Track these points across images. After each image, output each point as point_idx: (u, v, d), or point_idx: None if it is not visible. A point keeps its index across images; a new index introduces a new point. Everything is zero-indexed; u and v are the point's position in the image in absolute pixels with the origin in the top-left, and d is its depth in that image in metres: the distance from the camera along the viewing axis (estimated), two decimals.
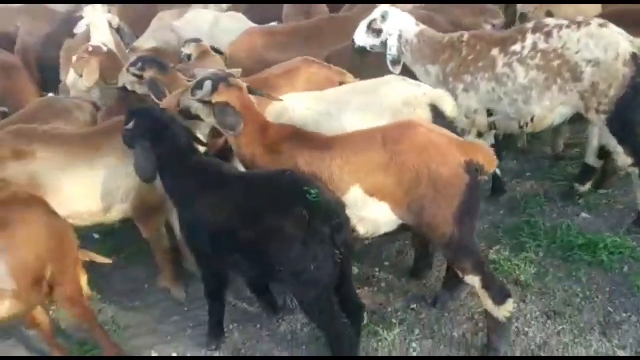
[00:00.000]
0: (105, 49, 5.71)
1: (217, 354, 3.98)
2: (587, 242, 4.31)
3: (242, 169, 3.95)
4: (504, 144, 5.17)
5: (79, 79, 5.77)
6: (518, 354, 3.58)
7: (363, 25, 4.79)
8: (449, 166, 3.25)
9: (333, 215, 3.21)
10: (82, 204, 4.16)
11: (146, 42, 7.66)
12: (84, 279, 3.91)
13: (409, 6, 5.78)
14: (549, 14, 5.19)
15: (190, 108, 3.85)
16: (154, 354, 4.07)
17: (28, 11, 8.65)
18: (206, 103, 3.72)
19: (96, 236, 5.49)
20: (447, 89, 4.38)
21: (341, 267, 3.33)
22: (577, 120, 4.51)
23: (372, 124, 3.68)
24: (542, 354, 3.56)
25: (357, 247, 4.38)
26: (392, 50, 4.66)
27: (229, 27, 7.27)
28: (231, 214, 3.42)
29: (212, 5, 8.39)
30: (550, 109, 4.27)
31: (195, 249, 3.85)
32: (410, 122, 3.49)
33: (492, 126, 4.58)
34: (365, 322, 3.81)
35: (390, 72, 4.55)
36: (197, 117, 3.88)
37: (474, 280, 3.41)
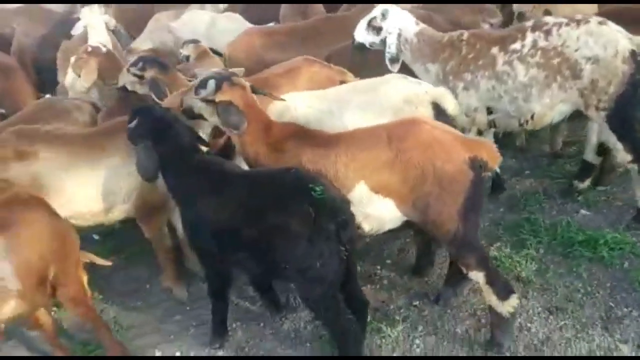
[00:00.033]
0: (104, 49, 5.72)
1: (220, 352, 3.99)
2: (587, 239, 4.34)
3: (244, 167, 3.96)
4: (502, 143, 5.19)
5: (77, 80, 5.77)
6: (521, 349, 3.61)
7: (363, 22, 4.82)
8: (453, 163, 3.28)
9: (338, 212, 3.22)
10: (84, 204, 4.16)
11: (143, 43, 7.68)
12: (84, 280, 3.91)
13: (407, 6, 5.80)
14: (547, 13, 5.22)
15: (193, 107, 3.86)
16: (157, 353, 4.07)
17: (24, 12, 8.63)
18: (209, 102, 3.72)
19: (95, 237, 5.48)
20: (447, 88, 4.38)
21: (346, 264, 3.34)
22: (576, 117, 4.56)
23: (374, 122, 3.70)
24: (545, 349, 3.59)
25: (359, 246, 4.38)
26: (391, 48, 4.68)
27: (226, 27, 7.29)
28: (236, 212, 3.42)
29: (208, 6, 8.41)
30: (550, 106, 4.30)
31: (198, 248, 3.85)
32: (415, 119, 3.51)
33: (491, 124, 4.61)
34: (368, 319, 3.82)
35: (390, 71, 4.58)
36: (200, 116, 3.89)
37: (478, 276, 3.43)
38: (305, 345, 3.94)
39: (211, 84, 3.66)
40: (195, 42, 6.40)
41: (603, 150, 4.63)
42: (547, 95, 4.26)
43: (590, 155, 4.80)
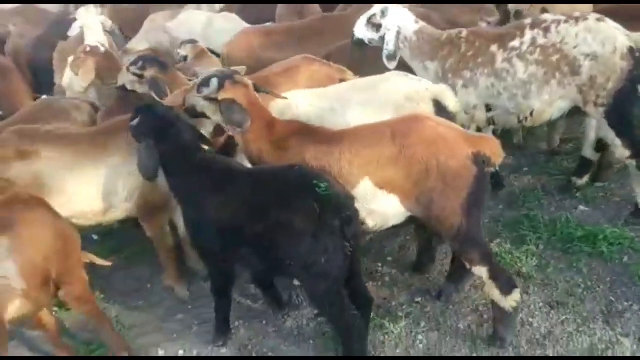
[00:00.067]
0: (102, 49, 5.71)
1: (223, 350, 3.99)
2: (586, 234, 4.37)
3: (247, 165, 3.97)
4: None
5: (75, 80, 5.77)
6: (523, 343, 3.63)
7: (363, 19, 4.83)
8: (457, 158, 3.30)
9: (343, 208, 3.24)
10: (86, 204, 4.16)
11: (139, 44, 7.66)
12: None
13: (406, 5, 5.82)
14: (544, 12, 5.25)
15: (196, 105, 3.87)
16: (160, 353, 4.07)
17: (20, 13, 8.60)
18: (212, 100, 3.73)
19: (95, 237, 5.48)
20: (446, 85, 4.43)
21: (350, 260, 3.36)
22: (574, 114, 4.59)
23: (375, 120, 3.72)
24: (547, 343, 3.61)
25: (360, 243, 4.40)
26: (389, 46, 4.69)
27: (222, 27, 7.28)
28: (241, 209, 3.44)
29: (204, 6, 8.41)
30: (549, 103, 4.33)
31: (201, 247, 3.86)
32: (418, 115, 3.53)
33: (490, 121, 4.63)
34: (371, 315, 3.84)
35: (389, 69, 4.60)
36: (203, 115, 3.90)
37: (481, 271, 3.45)
38: (309, 342, 3.94)
39: (214, 82, 3.67)
40: (193, 42, 6.39)
41: (601, 146, 4.67)
42: (546, 92, 4.29)
43: (588, 152, 4.84)
